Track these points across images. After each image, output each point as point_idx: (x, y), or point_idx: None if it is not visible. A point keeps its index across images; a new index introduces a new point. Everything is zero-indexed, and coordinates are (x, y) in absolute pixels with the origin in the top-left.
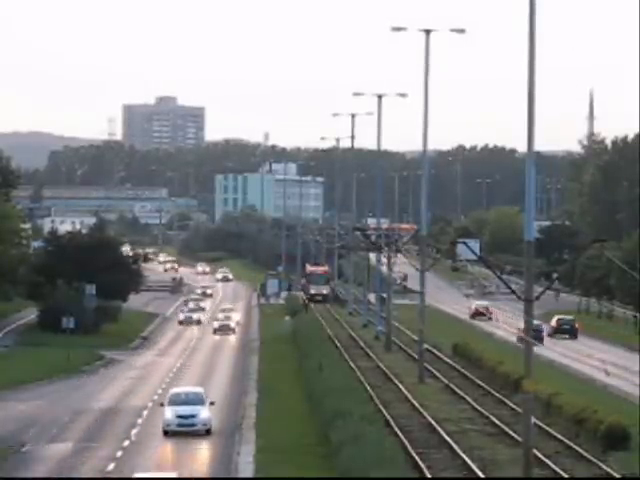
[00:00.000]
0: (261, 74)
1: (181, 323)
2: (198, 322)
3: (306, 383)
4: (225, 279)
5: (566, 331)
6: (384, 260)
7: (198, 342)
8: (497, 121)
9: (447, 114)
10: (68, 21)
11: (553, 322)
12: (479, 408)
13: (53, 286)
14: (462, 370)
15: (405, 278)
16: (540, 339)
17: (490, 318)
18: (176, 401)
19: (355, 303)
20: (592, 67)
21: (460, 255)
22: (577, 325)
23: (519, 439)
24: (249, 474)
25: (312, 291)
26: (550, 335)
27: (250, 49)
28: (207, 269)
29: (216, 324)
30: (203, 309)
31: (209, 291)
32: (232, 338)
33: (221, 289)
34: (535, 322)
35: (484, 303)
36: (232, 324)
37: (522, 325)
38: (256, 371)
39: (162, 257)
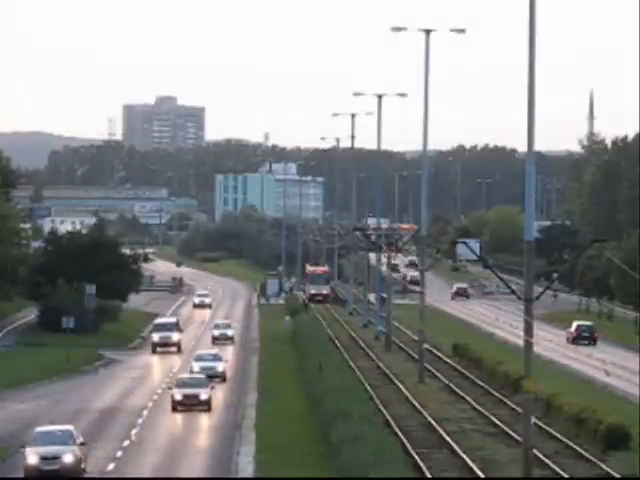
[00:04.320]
0: (261, 74)
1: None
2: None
3: (306, 383)
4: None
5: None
6: (384, 260)
7: (198, 342)
8: (497, 121)
9: (447, 114)
10: (68, 21)
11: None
12: (479, 408)
13: (53, 286)
14: (462, 370)
15: (405, 278)
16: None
17: (467, 296)
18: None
19: (355, 303)
20: (592, 67)
21: (460, 255)
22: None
23: (519, 439)
24: (249, 474)
25: (312, 291)
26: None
27: (250, 49)
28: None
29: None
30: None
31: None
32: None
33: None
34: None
35: (464, 285)
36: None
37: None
38: (256, 371)
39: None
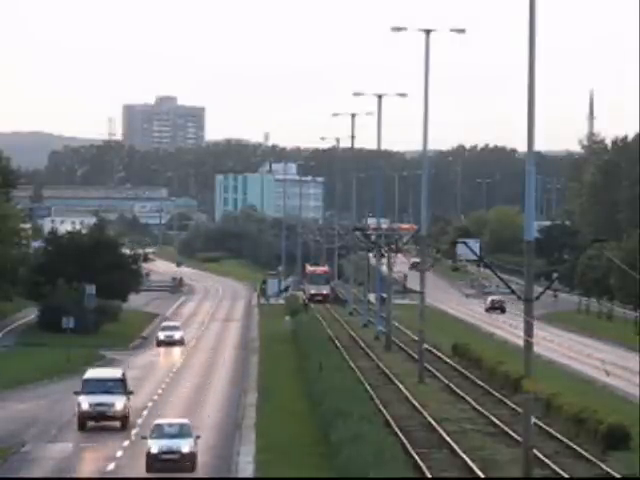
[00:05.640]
0: (261, 74)
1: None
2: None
3: (306, 383)
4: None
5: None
6: (385, 260)
7: (198, 342)
8: (497, 121)
9: (447, 114)
10: (68, 21)
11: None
12: (479, 408)
13: (53, 286)
14: (462, 370)
15: (405, 278)
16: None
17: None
18: None
19: (355, 303)
20: (592, 67)
21: (460, 255)
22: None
23: (519, 439)
24: (249, 474)
25: (312, 291)
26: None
27: (250, 49)
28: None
29: None
30: None
31: None
32: (232, 337)
33: None
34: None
35: (417, 260)
36: None
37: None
38: (256, 371)
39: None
